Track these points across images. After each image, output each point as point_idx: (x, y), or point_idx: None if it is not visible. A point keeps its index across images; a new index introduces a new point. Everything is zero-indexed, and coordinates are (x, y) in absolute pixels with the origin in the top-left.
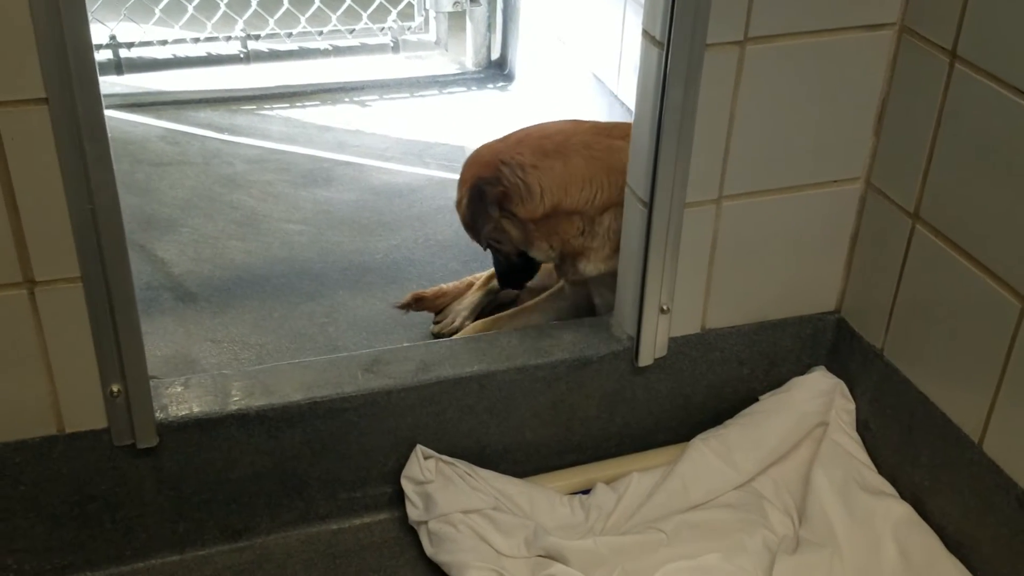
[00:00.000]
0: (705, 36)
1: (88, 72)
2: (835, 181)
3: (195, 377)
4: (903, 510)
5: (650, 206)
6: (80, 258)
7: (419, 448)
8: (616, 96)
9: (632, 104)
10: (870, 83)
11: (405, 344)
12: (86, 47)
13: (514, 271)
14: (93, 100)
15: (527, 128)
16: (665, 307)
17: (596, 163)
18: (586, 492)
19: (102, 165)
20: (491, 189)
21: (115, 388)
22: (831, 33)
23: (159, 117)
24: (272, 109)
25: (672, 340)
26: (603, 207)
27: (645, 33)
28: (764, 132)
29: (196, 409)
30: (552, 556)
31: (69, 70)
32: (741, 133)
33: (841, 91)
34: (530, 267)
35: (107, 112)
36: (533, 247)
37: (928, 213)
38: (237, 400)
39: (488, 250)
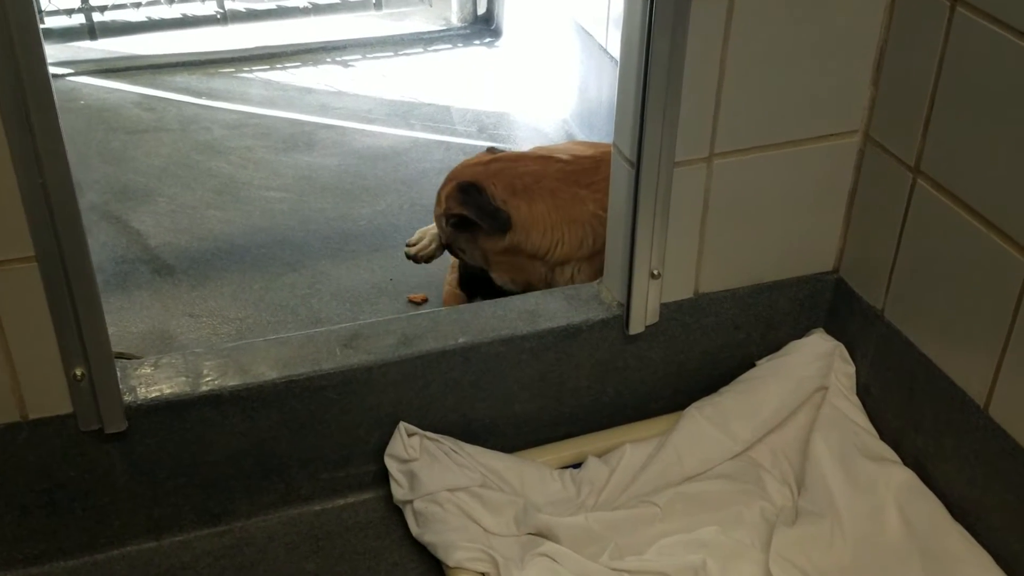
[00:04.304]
0: None
1: (30, 34)
2: (832, 135)
3: (165, 357)
4: (906, 476)
5: (637, 166)
6: (33, 236)
7: (402, 425)
8: (605, 49)
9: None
10: (867, 29)
11: (388, 317)
12: (26, 5)
13: (474, 279)
14: (37, 66)
15: (504, 158)
16: (656, 272)
17: (558, 213)
18: (577, 466)
19: (51, 136)
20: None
21: (78, 371)
22: None
23: (134, 82)
24: (251, 71)
25: (664, 306)
26: (563, 260)
27: None
28: (756, 84)
29: (167, 391)
30: (542, 534)
31: (9, 32)
32: (732, 86)
33: (837, 39)
34: (490, 283)
35: (80, 79)
36: (493, 272)
37: (930, 167)
38: (210, 380)
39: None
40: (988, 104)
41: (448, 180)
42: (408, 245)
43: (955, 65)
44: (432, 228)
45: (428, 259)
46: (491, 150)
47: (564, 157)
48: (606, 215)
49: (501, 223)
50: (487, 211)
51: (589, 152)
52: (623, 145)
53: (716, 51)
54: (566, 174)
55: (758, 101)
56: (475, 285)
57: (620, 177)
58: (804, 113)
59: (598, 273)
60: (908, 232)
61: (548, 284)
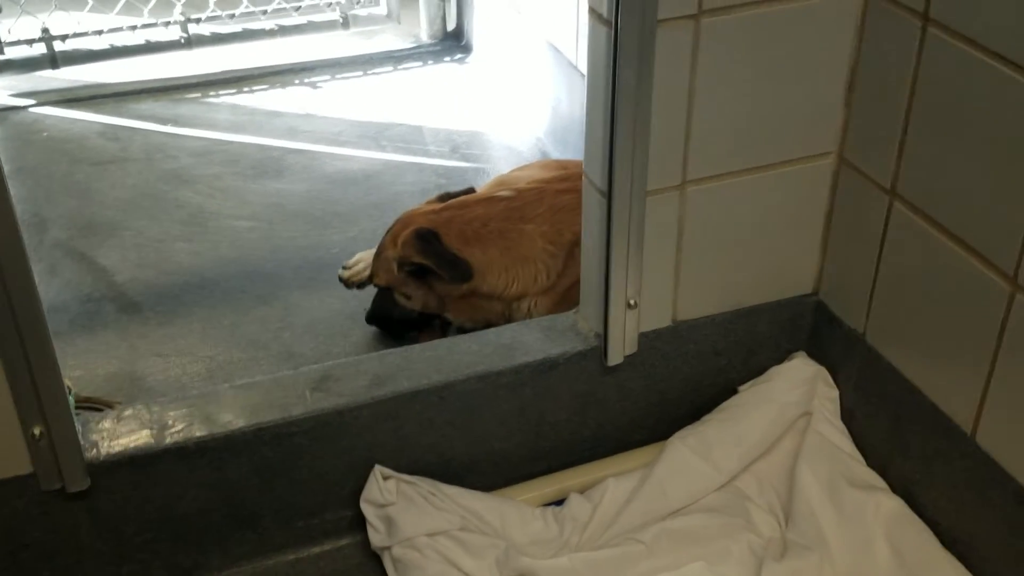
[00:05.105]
0: (656, 11)
1: None
2: (806, 157)
3: (128, 409)
4: (894, 504)
5: (609, 196)
6: None
7: (377, 468)
8: (575, 67)
9: None
10: (838, 50)
11: (360, 355)
12: None
13: (399, 321)
14: None
15: (454, 205)
16: (632, 302)
17: (510, 253)
18: (560, 503)
19: None
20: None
21: (36, 431)
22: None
23: (99, 111)
24: (218, 96)
25: (642, 335)
26: (519, 296)
27: (592, 11)
28: (727, 110)
29: (130, 445)
30: None
31: None
32: (702, 113)
33: (807, 61)
34: (422, 325)
35: (43, 109)
36: (449, 313)
37: (906, 189)
38: (175, 432)
39: (377, 289)
40: (963, 125)
41: (402, 224)
42: (344, 268)
43: (929, 86)
44: (370, 254)
45: (360, 285)
46: (442, 197)
47: (507, 194)
48: (555, 247)
49: (462, 272)
50: (447, 260)
51: (544, 176)
52: (594, 175)
53: (684, 78)
54: (511, 211)
55: (730, 126)
56: (396, 327)
57: (592, 207)
58: (777, 136)
59: (555, 304)
60: (887, 255)
61: (507, 319)
